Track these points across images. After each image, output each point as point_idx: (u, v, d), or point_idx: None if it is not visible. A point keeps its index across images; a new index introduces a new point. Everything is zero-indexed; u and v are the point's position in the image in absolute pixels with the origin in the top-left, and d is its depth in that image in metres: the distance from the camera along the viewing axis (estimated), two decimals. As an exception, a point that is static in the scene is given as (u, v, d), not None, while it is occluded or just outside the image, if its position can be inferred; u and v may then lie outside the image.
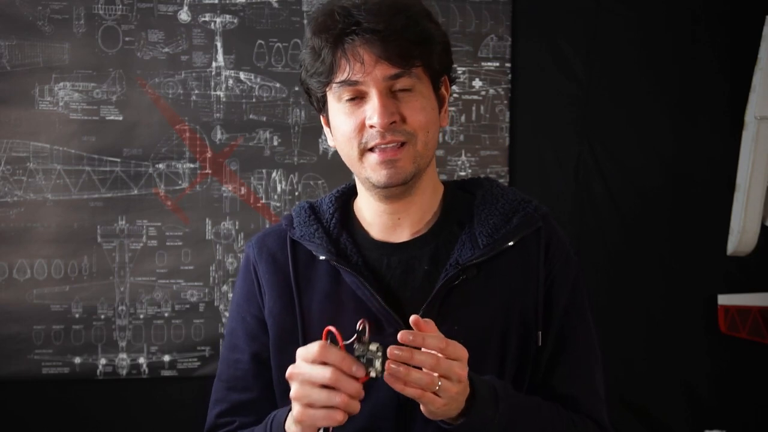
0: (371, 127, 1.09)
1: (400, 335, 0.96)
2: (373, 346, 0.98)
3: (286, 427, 1.05)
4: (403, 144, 1.10)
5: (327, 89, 1.12)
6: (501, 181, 2.42)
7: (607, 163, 2.51)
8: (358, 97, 1.10)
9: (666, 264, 2.53)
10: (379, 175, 1.11)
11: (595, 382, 1.20)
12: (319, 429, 0.99)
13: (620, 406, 2.48)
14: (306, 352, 0.98)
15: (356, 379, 0.97)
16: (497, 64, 2.44)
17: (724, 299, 2.51)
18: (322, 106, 1.17)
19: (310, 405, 0.97)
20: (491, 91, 2.43)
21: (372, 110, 1.08)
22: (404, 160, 1.10)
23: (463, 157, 2.43)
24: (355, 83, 1.08)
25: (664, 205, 2.54)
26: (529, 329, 1.16)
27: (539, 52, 2.48)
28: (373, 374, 0.98)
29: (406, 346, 0.96)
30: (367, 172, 1.12)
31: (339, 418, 0.96)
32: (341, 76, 1.08)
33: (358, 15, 1.07)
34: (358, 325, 0.98)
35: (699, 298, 2.54)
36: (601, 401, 1.20)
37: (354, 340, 0.98)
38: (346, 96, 1.10)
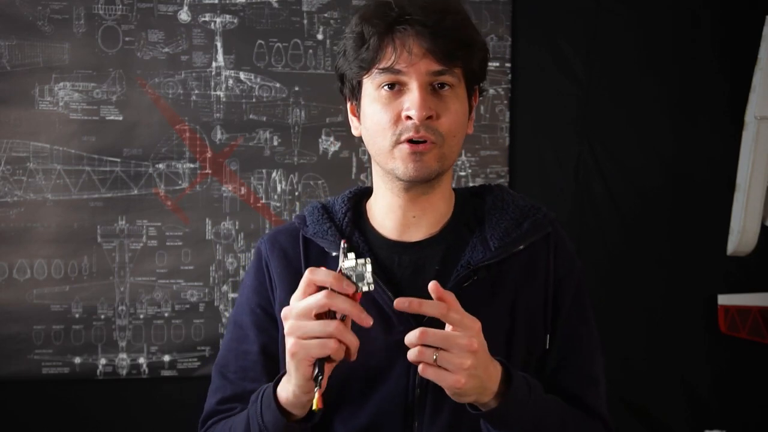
0: (408, 118, 1.10)
1: (397, 303, 0.99)
2: (360, 260, 1.00)
3: (279, 389, 1.07)
4: (432, 143, 1.11)
5: (366, 76, 1.13)
6: (501, 181, 2.43)
7: (607, 163, 2.51)
8: (397, 88, 1.11)
9: (666, 264, 2.53)
10: (407, 168, 1.12)
11: (599, 383, 1.22)
12: (314, 370, 1.00)
13: (620, 406, 2.48)
14: (297, 291, 1.01)
15: (349, 297, 0.99)
16: (497, 64, 2.44)
17: (724, 299, 2.51)
18: (355, 93, 1.17)
19: (303, 336, 0.98)
20: (491, 91, 2.43)
21: (411, 102, 1.09)
22: (430, 156, 1.12)
23: (463, 157, 2.43)
24: (398, 72, 1.10)
25: (664, 205, 2.54)
26: (537, 331, 1.18)
27: (539, 52, 2.48)
28: (365, 288, 0.99)
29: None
30: (396, 163, 1.13)
31: (332, 345, 0.98)
32: (385, 63, 1.10)
33: (410, 8, 1.09)
34: (341, 246, 1.01)
35: (699, 298, 2.55)
36: (605, 402, 1.22)
37: (340, 260, 1.00)
38: (386, 86, 1.11)
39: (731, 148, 2.29)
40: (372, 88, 1.13)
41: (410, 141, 1.11)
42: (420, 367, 1.00)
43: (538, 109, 2.48)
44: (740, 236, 2.23)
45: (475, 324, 1.01)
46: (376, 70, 1.11)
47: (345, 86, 1.18)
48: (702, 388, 2.55)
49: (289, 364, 1.02)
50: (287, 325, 1.00)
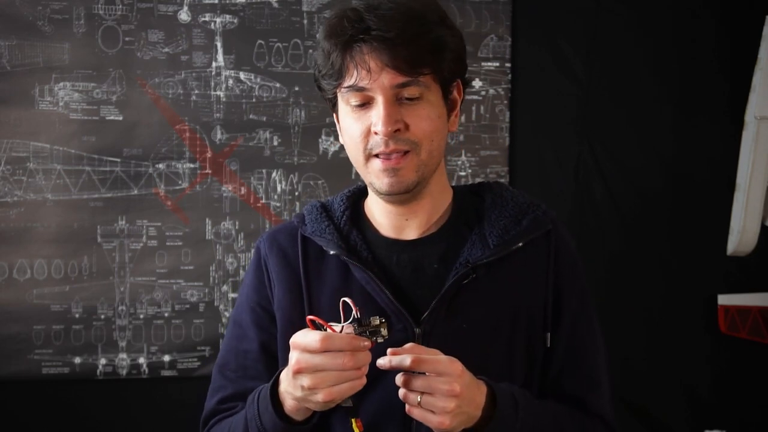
0: (375, 133, 1.09)
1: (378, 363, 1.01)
2: (375, 320, 1.00)
3: (281, 396, 1.07)
4: (406, 152, 1.10)
5: (337, 90, 1.13)
6: (501, 181, 2.42)
7: (607, 163, 2.51)
8: (366, 103, 1.10)
9: (666, 264, 2.53)
10: (382, 183, 1.12)
11: (602, 383, 1.21)
12: (347, 404, 1.03)
13: (620, 406, 2.48)
14: (306, 343, 0.99)
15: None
16: (497, 64, 2.44)
17: (724, 299, 2.51)
18: (333, 105, 1.17)
19: (332, 385, 0.99)
20: (491, 91, 2.43)
21: (376, 117, 1.08)
22: (407, 169, 1.11)
23: (463, 157, 2.43)
24: (362, 89, 1.08)
25: (664, 205, 2.54)
26: (537, 330, 1.18)
27: (539, 52, 2.48)
28: (380, 340, 1.00)
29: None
30: (371, 177, 1.13)
31: (364, 380, 0.99)
32: (349, 81, 1.09)
33: (369, 20, 1.06)
34: (354, 312, 1.00)
35: (699, 298, 2.54)
36: (608, 402, 1.22)
37: (351, 323, 1.00)
38: (354, 101, 1.10)
39: (731, 148, 2.29)
40: (343, 103, 1.13)
41: (383, 155, 1.10)
42: (406, 408, 1.02)
43: (538, 109, 2.48)
44: (740, 236, 2.23)
45: (456, 367, 1.01)
46: (343, 88, 1.10)
47: (324, 97, 1.18)
48: (702, 388, 2.55)
49: (318, 405, 1.02)
50: (308, 380, 0.99)
